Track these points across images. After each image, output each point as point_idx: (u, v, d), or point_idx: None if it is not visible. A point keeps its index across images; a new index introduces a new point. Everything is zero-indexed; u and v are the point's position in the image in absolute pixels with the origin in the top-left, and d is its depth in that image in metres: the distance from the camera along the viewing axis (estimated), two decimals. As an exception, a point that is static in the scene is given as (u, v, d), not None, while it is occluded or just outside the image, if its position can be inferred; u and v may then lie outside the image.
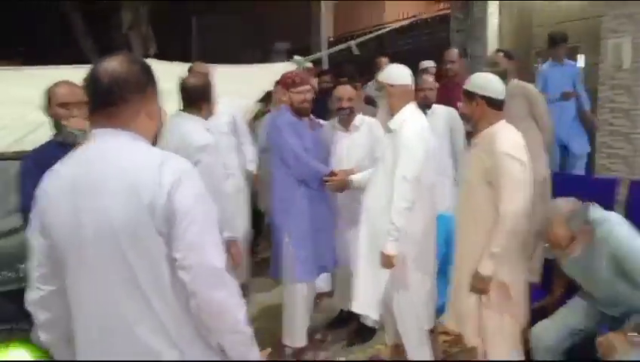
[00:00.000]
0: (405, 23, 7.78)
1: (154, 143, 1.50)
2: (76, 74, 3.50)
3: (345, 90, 3.32)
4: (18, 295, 1.94)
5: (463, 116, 2.64)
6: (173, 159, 1.39)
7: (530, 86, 4.30)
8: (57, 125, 2.49)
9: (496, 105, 2.48)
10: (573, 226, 2.25)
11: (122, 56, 1.45)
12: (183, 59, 4.98)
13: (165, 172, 1.33)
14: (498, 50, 4.93)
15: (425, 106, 3.61)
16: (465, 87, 2.55)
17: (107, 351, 1.37)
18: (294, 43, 10.10)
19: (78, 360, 1.42)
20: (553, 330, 2.43)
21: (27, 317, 1.89)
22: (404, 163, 2.59)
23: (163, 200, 1.31)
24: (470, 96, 2.49)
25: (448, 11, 7.19)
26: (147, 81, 1.47)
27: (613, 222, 2.26)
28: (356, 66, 5.57)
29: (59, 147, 2.44)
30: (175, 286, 1.35)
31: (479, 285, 2.40)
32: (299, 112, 3.19)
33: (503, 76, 3.54)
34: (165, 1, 10.27)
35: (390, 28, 7.53)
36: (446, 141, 3.70)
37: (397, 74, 2.80)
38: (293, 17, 10.29)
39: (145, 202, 1.30)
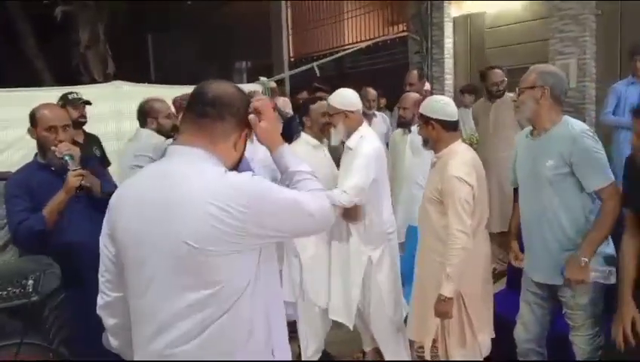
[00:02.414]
0: (365, 44, 8.03)
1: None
2: (50, 95, 3.56)
3: None
4: (25, 309, 2.00)
5: (422, 138, 2.72)
6: (246, 179, 1.39)
7: None
8: (42, 148, 2.51)
9: (450, 127, 2.62)
10: (541, 79, 2.36)
11: (229, 83, 1.53)
12: (141, 77, 4.97)
13: (232, 196, 1.33)
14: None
15: (406, 124, 3.81)
16: (420, 111, 2.68)
17: None
18: (254, 62, 10.23)
19: None
20: (524, 330, 2.60)
21: (35, 332, 1.94)
22: (353, 177, 2.71)
23: (234, 223, 1.31)
24: (426, 120, 2.62)
25: (407, 33, 7.50)
26: (244, 112, 1.50)
27: (587, 130, 2.34)
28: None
29: (42, 169, 2.49)
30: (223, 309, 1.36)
31: (441, 308, 2.48)
32: None
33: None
34: (122, 18, 10.19)
35: (351, 49, 7.77)
36: (429, 156, 3.87)
37: (354, 100, 2.98)
38: (253, 36, 10.42)
39: (207, 226, 1.30)
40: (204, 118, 1.43)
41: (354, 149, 2.86)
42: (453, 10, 7.02)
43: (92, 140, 3.84)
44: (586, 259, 2.24)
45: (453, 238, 2.44)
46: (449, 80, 7.00)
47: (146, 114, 3.43)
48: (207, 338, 1.35)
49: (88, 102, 3.70)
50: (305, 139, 3.10)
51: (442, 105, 2.65)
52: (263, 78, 6.19)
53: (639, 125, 2.04)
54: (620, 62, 5.32)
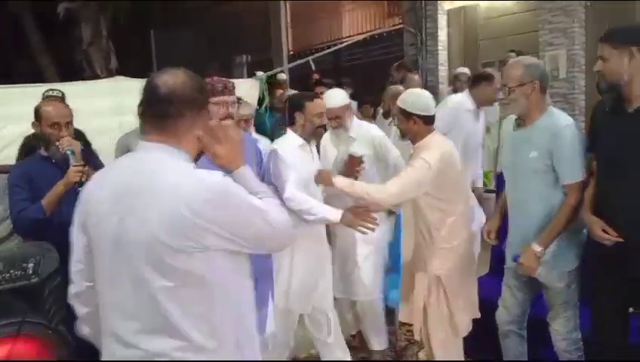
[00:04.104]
0: (362, 37, 8.14)
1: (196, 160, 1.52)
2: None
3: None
4: (26, 291, 2.15)
5: (400, 131, 2.79)
6: (212, 178, 1.39)
7: None
8: (47, 142, 2.65)
9: (430, 121, 2.75)
10: (528, 74, 2.42)
11: (182, 71, 1.45)
12: (144, 73, 5.08)
13: (199, 192, 1.34)
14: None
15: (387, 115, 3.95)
16: (401, 106, 2.75)
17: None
18: (255, 56, 10.33)
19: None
20: (505, 313, 2.69)
21: (36, 311, 2.09)
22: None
23: (195, 219, 1.32)
24: (407, 115, 2.72)
25: (402, 26, 7.59)
26: (203, 99, 1.47)
27: (571, 125, 2.41)
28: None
29: (44, 161, 2.65)
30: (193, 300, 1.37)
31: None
32: None
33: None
34: (124, 15, 10.34)
35: (348, 42, 7.88)
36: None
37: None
38: (254, 31, 10.53)
39: (182, 219, 1.31)
40: (164, 118, 1.42)
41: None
42: (447, 3, 7.11)
43: (77, 134, 4.00)
44: (540, 249, 2.34)
45: (385, 192, 2.62)
46: (443, 72, 7.10)
47: None
48: (173, 332, 1.36)
49: (61, 98, 3.72)
50: (290, 137, 2.88)
51: (424, 101, 2.75)
52: (259, 73, 6.31)
53: (604, 50, 2.14)
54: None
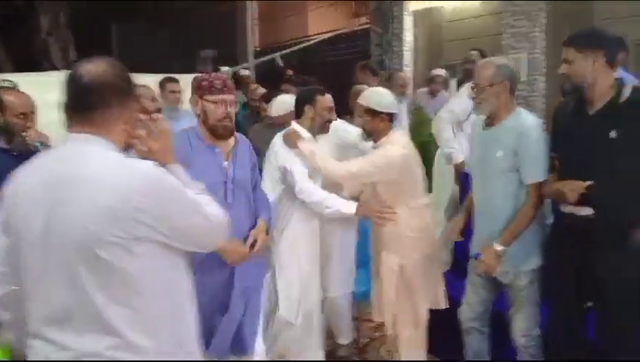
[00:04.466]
0: (328, 36, 8.15)
1: (125, 149, 1.48)
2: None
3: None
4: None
5: (364, 130, 2.79)
6: (143, 167, 1.37)
7: None
8: (10, 134, 2.51)
9: (393, 119, 2.81)
10: (500, 75, 2.46)
11: (105, 60, 1.41)
12: None
13: (130, 182, 1.31)
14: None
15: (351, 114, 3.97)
16: (367, 105, 2.77)
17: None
18: (220, 51, 10.23)
19: None
20: (468, 310, 2.74)
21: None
22: None
23: (127, 209, 1.29)
24: (374, 113, 2.75)
25: (369, 26, 7.64)
26: (129, 87, 1.44)
27: (537, 126, 2.46)
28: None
29: (3, 153, 2.49)
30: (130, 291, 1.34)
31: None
32: (214, 133, 2.29)
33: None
34: (85, 4, 10.04)
35: (315, 40, 7.88)
36: None
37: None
38: (219, 26, 10.42)
39: (112, 210, 1.28)
40: (90, 109, 1.37)
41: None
42: (412, 4, 7.18)
43: None
44: (501, 248, 2.38)
45: (342, 169, 2.71)
46: (408, 72, 7.17)
47: None
48: (105, 330, 1.31)
49: (12, 88, 3.67)
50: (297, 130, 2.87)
51: (389, 99, 2.80)
52: (224, 68, 6.26)
53: (568, 53, 2.19)
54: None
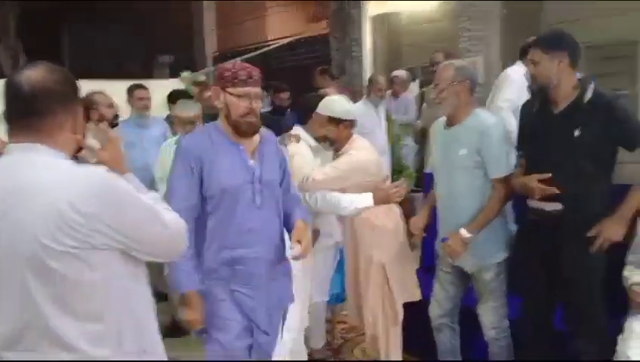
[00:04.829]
0: (287, 40, 8.17)
1: (75, 156, 1.44)
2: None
3: None
4: None
5: (326, 140, 2.77)
6: (94, 174, 1.32)
7: None
8: None
9: (353, 125, 2.84)
10: (459, 75, 2.53)
11: (45, 65, 1.35)
12: None
13: (82, 188, 1.27)
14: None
15: None
16: (329, 114, 2.74)
17: None
18: (178, 56, 10.08)
19: None
20: (437, 307, 2.80)
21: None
22: None
23: (79, 216, 1.24)
24: (337, 121, 2.74)
25: (328, 31, 7.69)
26: (71, 92, 1.38)
27: (497, 124, 2.55)
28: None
29: None
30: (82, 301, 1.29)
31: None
32: (237, 129, 2.10)
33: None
34: (34, 5, 9.67)
35: (275, 45, 7.88)
36: None
37: None
38: (176, 30, 10.26)
39: (64, 219, 1.23)
40: (32, 117, 1.31)
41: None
42: (371, 10, 7.28)
43: None
44: (468, 235, 2.46)
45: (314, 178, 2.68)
46: (368, 76, 7.27)
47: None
48: (60, 344, 1.28)
49: None
50: (302, 136, 2.88)
51: (349, 105, 2.81)
52: (185, 73, 6.18)
53: (535, 55, 2.28)
54: (522, 59, 5.78)
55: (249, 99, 2.06)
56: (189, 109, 3.64)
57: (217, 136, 2.13)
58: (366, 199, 2.70)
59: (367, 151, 2.80)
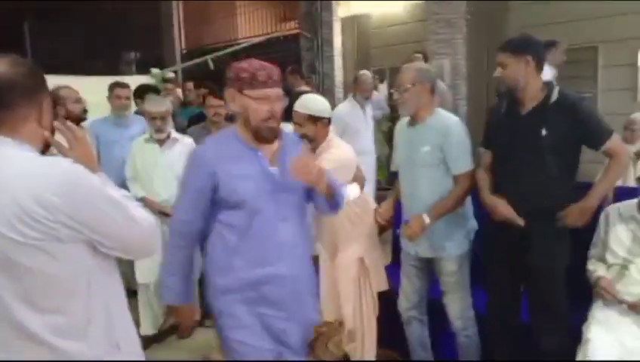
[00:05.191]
0: (258, 40, 8.16)
1: (44, 151, 1.43)
2: None
3: None
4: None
5: (305, 137, 2.70)
6: (59, 166, 1.32)
7: None
8: None
9: (330, 123, 2.86)
10: (420, 77, 2.64)
11: (10, 58, 1.35)
12: None
13: (44, 180, 1.26)
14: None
15: None
16: (306, 112, 2.73)
17: None
18: (144, 53, 9.94)
19: None
20: (405, 300, 2.90)
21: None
22: None
23: (41, 209, 1.24)
24: (315, 119, 2.73)
25: (298, 31, 7.73)
26: (36, 84, 1.37)
27: (457, 123, 2.65)
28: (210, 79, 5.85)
29: None
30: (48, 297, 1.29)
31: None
32: (258, 135, 1.95)
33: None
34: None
35: (246, 44, 7.86)
36: None
37: None
38: (143, 27, 10.12)
39: (27, 211, 1.23)
40: None
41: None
42: (341, 11, 7.36)
43: None
44: (429, 221, 2.56)
45: None
46: (339, 76, 7.35)
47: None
48: (31, 341, 1.29)
49: None
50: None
51: (326, 103, 2.82)
52: (154, 70, 6.13)
53: (502, 58, 2.37)
54: (487, 61, 5.95)
55: (270, 102, 1.88)
56: (160, 104, 3.64)
57: (234, 142, 1.97)
58: (355, 190, 2.78)
59: (345, 148, 2.84)
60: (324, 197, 2.02)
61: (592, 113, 2.36)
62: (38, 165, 1.29)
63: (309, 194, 2.09)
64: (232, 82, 1.92)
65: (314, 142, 2.81)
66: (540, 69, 2.37)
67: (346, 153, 2.81)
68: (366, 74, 5.24)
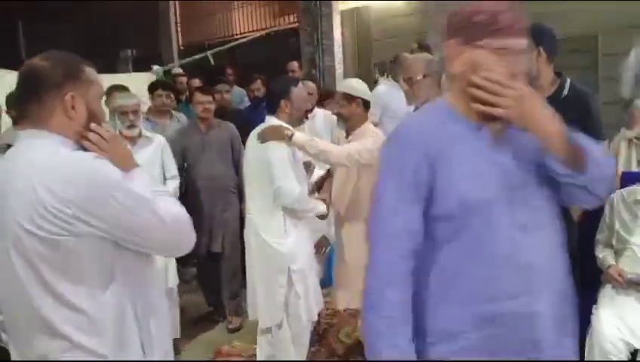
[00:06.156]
0: (257, 34, 8.12)
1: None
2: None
3: None
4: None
5: (340, 116, 2.86)
6: (76, 159, 1.34)
7: None
8: None
9: (367, 106, 2.91)
10: (430, 68, 2.68)
11: (43, 55, 1.40)
12: (10, 67, 4.59)
13: (62, 174, 1.28)
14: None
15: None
16: (344, 90, 2.87)
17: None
18: (142, 51, 9.87)
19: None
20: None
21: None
22: None
23: (58, 203, 1.25)
24: (350, 98, 2.83)
25: (298, 25, 7.70)
26: (62, 77, 1.37)
27: None
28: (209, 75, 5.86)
29: None
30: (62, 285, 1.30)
31: None
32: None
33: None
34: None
35: (244, 39, 7.83)
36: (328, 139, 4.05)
37: None
38: (139, 25, 10.06)
39: (44, 204, 1.25)
40: (22, 104, 1.40)
41: None
42: (340, 4, 7.33)
43: None
44: None
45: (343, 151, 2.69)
46: (339, 69, 7.34)
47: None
48: (52, 333, 1.30)
49: None
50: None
51: (362, 84, 2.89)
52: (155, 67, 6.10)
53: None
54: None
55: (514, 56, 1.30)
56: (130, 97, 3.41)
57: (450, 119, 1.39)
58: (322, 207, 2.85)
59: (381, 140, 2.82)
60: (564, 163, 1.41)
61: (599, 109, 2.37)
62: (59, 158, 1.30)
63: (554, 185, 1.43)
64: (454, 31, 1.34)
65: (348, 122, 2.85)
66: (551, 60, 2.36)
67: (379, 143, 2.78)
68: (409, 56, 4.52)
